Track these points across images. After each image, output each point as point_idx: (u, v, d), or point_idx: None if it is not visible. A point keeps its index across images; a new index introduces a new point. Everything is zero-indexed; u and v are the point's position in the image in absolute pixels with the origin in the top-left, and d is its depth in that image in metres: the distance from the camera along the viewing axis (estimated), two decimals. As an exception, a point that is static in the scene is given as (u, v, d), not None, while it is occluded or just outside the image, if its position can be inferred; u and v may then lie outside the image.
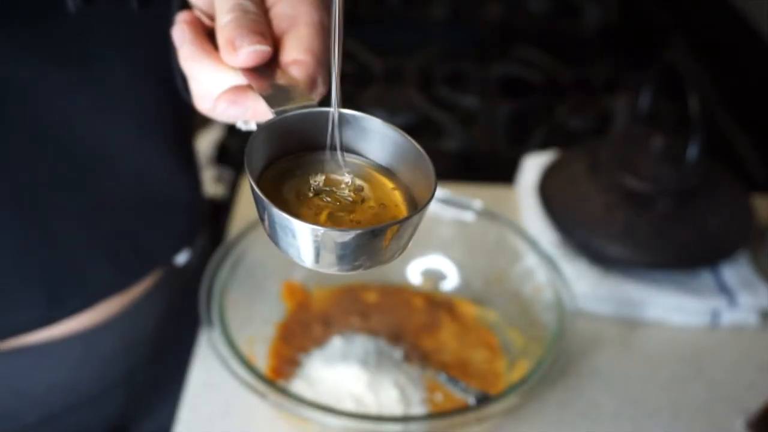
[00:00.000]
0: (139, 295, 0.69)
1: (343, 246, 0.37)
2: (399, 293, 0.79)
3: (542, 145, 1.03)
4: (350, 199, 0.40)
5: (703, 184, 0.83)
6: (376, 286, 0.80)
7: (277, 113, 0.40)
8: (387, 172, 0.42)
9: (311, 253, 0.38)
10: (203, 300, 0.68)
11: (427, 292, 0.80)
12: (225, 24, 0.42)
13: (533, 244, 0.75)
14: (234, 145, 1.07)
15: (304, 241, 0.37)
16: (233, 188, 0.97)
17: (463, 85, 1.18)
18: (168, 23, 0.47)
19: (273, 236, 0.39)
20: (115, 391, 0.72)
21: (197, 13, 0.47)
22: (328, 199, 0.40)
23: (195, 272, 0.76)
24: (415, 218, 0.38)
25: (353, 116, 0.42)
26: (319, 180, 0.41)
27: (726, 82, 1.18)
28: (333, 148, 0.42)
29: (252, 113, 0.43)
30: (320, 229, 0.36)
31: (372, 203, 0.40)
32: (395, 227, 0.38)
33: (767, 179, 1.02)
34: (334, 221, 0.39)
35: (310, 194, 0.40)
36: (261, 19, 0.43)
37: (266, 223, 0.39)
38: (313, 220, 0.38)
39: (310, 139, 0.42)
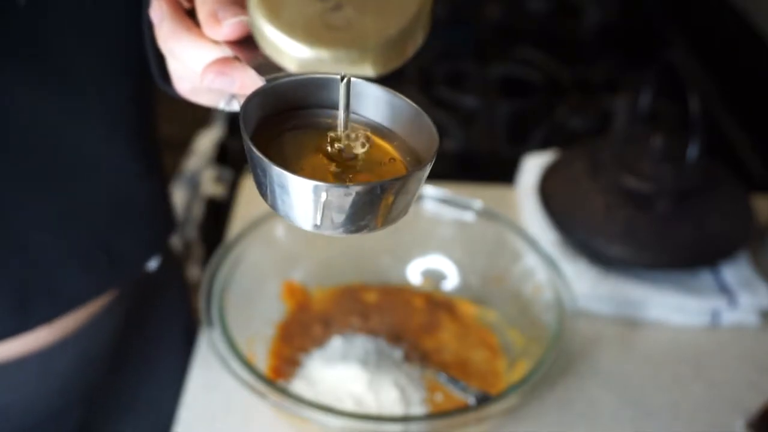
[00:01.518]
0: (97, 311, 0.66)
1: (348, 204, 0.35)
2: (399, 293, 0.79)
3: (542, 145, 1.03)
4: (351, 156, 0.39)
5: (703, 184, 0.83)
6: (376, 286, 0.80)
7: (269, 81, 0.39)
8: (388, 132, 0.41)
9: (312, 213, 0.36)
10: (203, 300, 0.68)
11: (427, 292, 0.80)
12: None
13: (533, 244, 0.75)
14: (234, 145, 1.06)
15: (305, 200, 0.35)
16: (233, 188, 0.97)
17: (463, 85, 1.18)
18: (133, 12, 0.46)
19: (271, 199, 0.37)
20: (74, 408, 0.69)
21: None
22: (329, 156, 0.38)
23: (156, 281, 0.74)
24: (420, 173, 0.37)
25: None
26: (318, 138, 0.39)
27: (726, 82, 1.18)
28: (332, 107, 0.41)
29: (239, 85, 0.41)
30: (323, 185, 0.35)
31: (373, 160, 0.39)
32: (401, 182, 0.36)
33: (767, 179, 1.02)
34: (335, 178, 0.37)
35: (310, 153, 0.39)
36: None
37: (265, 185, 0.37)
38: (313, 177, 0.36)
39: (305, 105, 0.41)
